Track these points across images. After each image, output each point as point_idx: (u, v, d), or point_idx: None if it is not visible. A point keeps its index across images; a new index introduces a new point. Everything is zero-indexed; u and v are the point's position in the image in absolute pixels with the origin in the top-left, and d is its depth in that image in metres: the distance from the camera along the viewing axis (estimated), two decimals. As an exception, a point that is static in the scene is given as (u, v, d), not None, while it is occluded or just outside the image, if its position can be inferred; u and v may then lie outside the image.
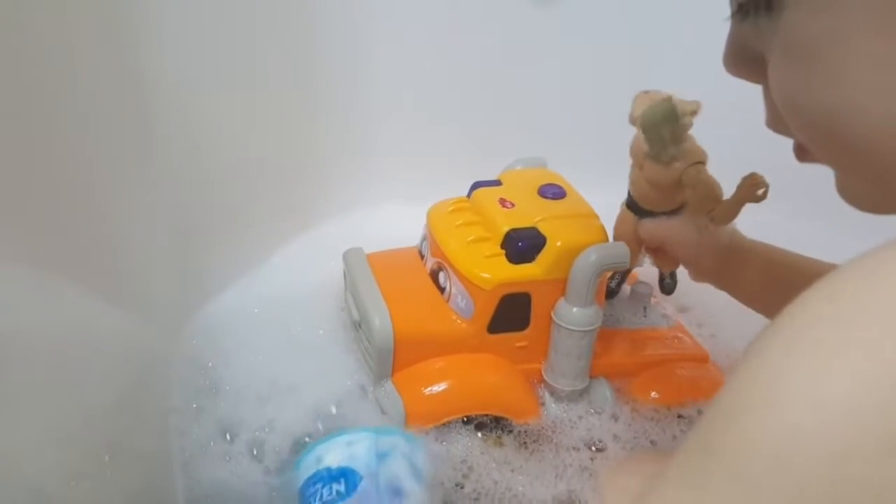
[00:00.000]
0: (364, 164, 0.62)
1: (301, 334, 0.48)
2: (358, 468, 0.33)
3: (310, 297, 0.50)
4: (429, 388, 0.41)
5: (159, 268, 0.45)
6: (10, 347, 0.30)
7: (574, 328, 0.41)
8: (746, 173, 0.41)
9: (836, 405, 0.16)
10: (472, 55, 0.63)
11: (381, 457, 0.34)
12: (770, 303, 0.23)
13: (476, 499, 0.37)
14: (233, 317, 0.49)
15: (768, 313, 0.39)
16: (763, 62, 0.24)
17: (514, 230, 0.41)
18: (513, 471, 0.39)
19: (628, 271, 0.50)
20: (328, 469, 0.34)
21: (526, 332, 0.42)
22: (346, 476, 0.33)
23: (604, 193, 0.45)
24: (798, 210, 0.55)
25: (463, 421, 0.42)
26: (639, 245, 0.45)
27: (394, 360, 0.41)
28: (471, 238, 0.42)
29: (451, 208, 0.45)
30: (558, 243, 0.41)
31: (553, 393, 0.44)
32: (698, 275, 0.45)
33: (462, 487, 0.38)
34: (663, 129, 0.39)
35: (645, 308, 0.50)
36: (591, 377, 0.44)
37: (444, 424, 0.41)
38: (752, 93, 0.27)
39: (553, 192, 0.44)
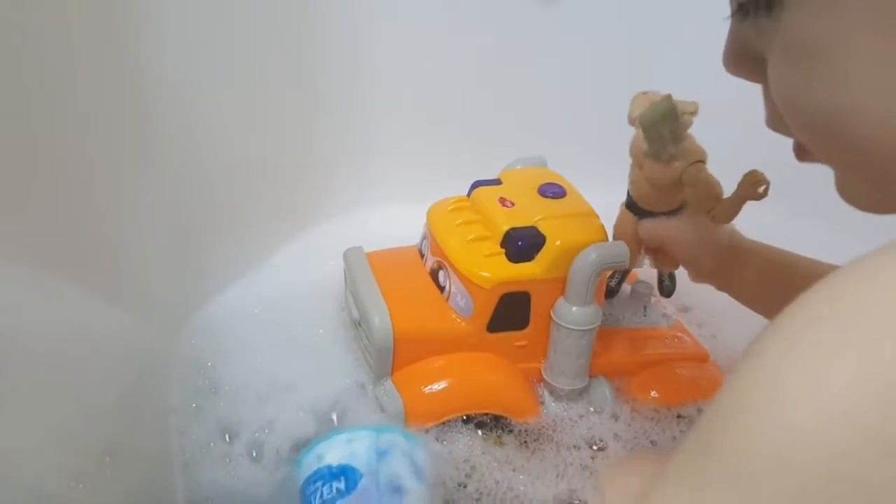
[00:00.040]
0: (364, 163, 0.62)
1: (301, 334, 0.48)
2: (358, 466, 0.33)
3: (310, 297, 0.50)
4: (428, 387, 0.41)
5: (159, 268, 0.45)
6: (10, 347, 0.30)
7: (573, 327, 0.41)
8: (747, 171, 0.40)
9: (835, 405, 0.16)
10: (472, 55, 0.63)
11: (382, 455, 0.34)
12: (769, 303, 0.23)
13: (478, 499, 0.37)
14: (233, 316, 0.49)
15: (768, 314, 0.39)
16: (763, 62, 0.24)
17: (513, 229, 0.41)
18: (514, 470, 0.39)
19: (627, 271, 0.50)
20: (328, 467, 0.34)
21: (525, 331, 0.42)
22: (346, 474, 0.33)
23: (603, 193, 0.45)
24: (798, 209, 0.55)
25: (463, 420, 0.42)
26: (638, 245, 0.45)
27: (393, 358, 0.41)
28: (470, 237, 0.42)
29: (451, 207, 0.45)
30: (558, 242, 0.41)
31: (552, 392, 0.44)
32: (698, 275, 0.45)
33: (465, 487, 0.38)
34: (663, 127, 0.39)
35: (645, 307, 0.50)
36: (590, 376, 0.44)
37: (443, 423, 0.41)
38: (752, 92, 0.27)
39: (553, 191, 0.44)
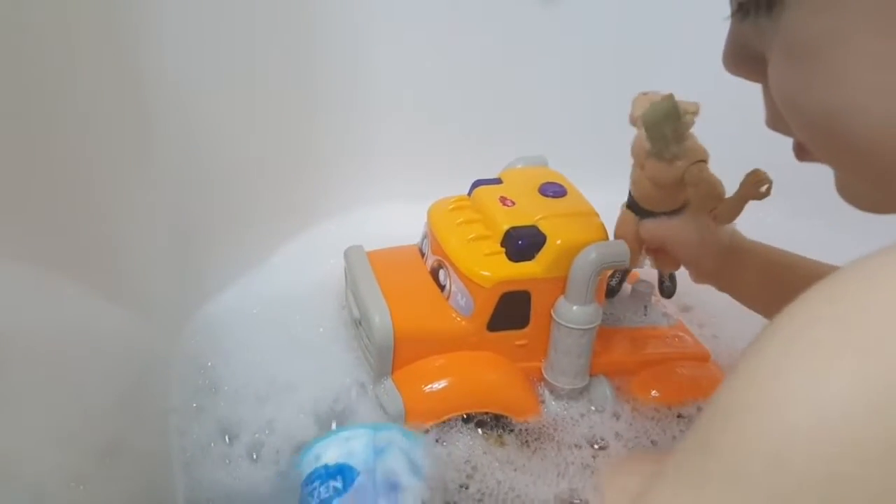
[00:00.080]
0: (364, 163, 0.62)
1: (301, 333, 0.48)
2: (355, 464, 0.34)
3: (310, 296, 0.50)
4: (429, 386, 0.41)
5: (159, 267, 0.45)
6: (10, 347, 0.30)
7: (574, 326, 0.41)
8: (749, 170, 0.40)
9: (834, 406, 0.16)
10: (472, 55, 0.63)
11: (379, 452, 0.34)
12: (770, 304, 0.23)
13: (480, 500, 0.37)
14: (233, 316, 0.49)
15: (768, 314, 0.39)
16: (763, 61, 0.24)
17: (514, 228, 0.41)
18: (515, 470, 0.39)
19: (627, 271, 0.50)
20: (325, 466, 0.34)
21: (526, 330, 0.42)
22: (342, 472, 0.33)
23: (603, 192, 0.45)
24: (797, 209, 0.55)
25: (463, 419, 0.41)
26: (639, 246, 0.45)
27: (394, 357, 0.41)
28: (471, 236, 0.42)
29: (451, 206, 0.45)
30: (558, 241, 0.41)
31: (553, 391, 0.44)
32: (699, 276, 0.45)
33: (466, 488, 0.38)
34: (665, 126, 0.39)
35: (645, 307, 0.50)
36: (591, 375, 0.44)
37: (444, 423, 0.41)
38: (751, 92, 0.27)
39: (554, 190, 0.44)
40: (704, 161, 0.42)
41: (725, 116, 0.46)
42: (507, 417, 0.42)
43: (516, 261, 0.41)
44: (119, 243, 0.41)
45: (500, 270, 0.41)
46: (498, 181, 0.46)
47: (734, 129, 0.48)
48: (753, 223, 0.43)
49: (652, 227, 0.44)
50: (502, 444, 0.41)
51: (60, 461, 0.31)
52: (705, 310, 0.53)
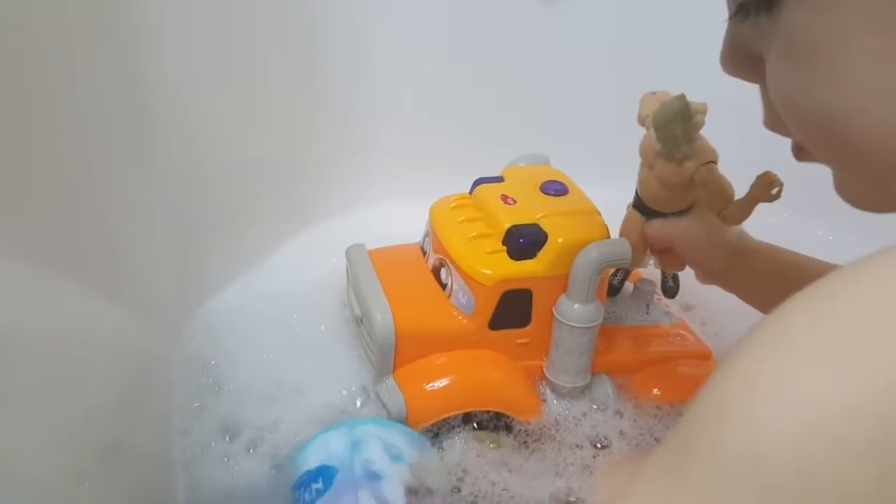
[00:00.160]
0: (364, 163, 0.62)
1: (303, 331, 0.48)
2: (333, 463, 0.34)
3: (311, 295, 0.50)
4: (430, 385, 0.41)
5: (160, 266, 0.45)
6: (10, 347, 0.29)
7: (575, 325, 0.41)
8: (749, 171, 0.40)
9: (816, 406, 0.16)
10: (472, 55, 0.63)
11: (355, 446, 0.35)
12: (777, 304, 0.23)
13: (473, 502, 0.37)
14: (234, 315, 0.49)
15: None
16: (760, 62, 0.24)
17: (515, 226, 0.41)
18: (510, 471, 0.39)
19: (628, 272, 0.49)
20: (307, 472, 0.35)
21: (527, 328, 0.42)
22: (322, 474, 0.34)
23: (605, 190, 0.45)
24: (796, 208, 0.55)
25: (462, 419, 0.41)
26: (644, 246, 0.45)
27: (395, 356, 0.41)
28: (472, 234, 0.42)
29: (452, 205, 0.45)
30: (560, 240, 0.41)
31: (554, 390, 0.44)
32: (706, 276, 0.45)
33: (458, 491, 0.38)
34: (676, 126, 0.39)
35: (648, 305, 0.49)
36: (592, 374, 0.44)
37: (444, 422, 0.41)
38: (750, 93, 0.27)
39: (555, 188, 0.44)
40: (714, 162, 0.41)
41: (724, 117, 0.45)
42: (508, 416, 0.42)
43: (518, 259, 0.41)
44: (119, 243, 0.41)
45: (501, 269, 0.41)
46: (499, 179, 0.46)
47: (733, 130, 0.48)
48: (754, 223, 0.43)
49: (659, 228, 0.43)
50: (499, 446, 0.41)
51: (60, 461, 0.31)
52: (707, 308, 0.53)
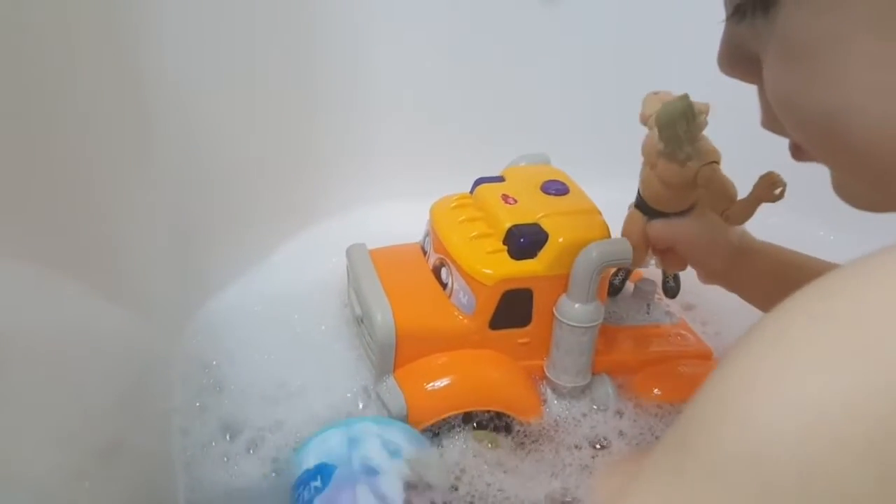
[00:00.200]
0: (364, 163, 0.62)
1: (303, 332, 0.48)
2: (331, 461, 0.34)
3: (311, 294, 0.50)
4: (431, 384, 0.41)
5: (160, 266, 0.45)
6: (10, 347, 0.29)
7: (576, 324, 0.41)
8: (763, 172, 0.40)
9: (815, 405, 0.16)
10: (472, 55, 0.63)
11: (353, 443, 0.35)
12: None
13: (471, 502, 0.37)
14: (235, 315, 0.49)
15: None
16: (758, 62, 0.24)
17: (516, 226, 0.41)
18: (505, 472, 0.39)
19: (629, 272, 0.49)
20: (306, 471, 0.35)
21: (528, 328, 0.42)
22: (320, 471, 0.34)
23: (605, 190, 0.45)
24: (798, 208, 0.55)
25: (462, 419, 0.41)
26: (646, 245, 0.45)
27: (396, 355, 0.41)
28: (473, 234, 0.42)
29: (453, 204, 0.45)
30: (560, 239, 0.41)
31: (555, 389, 0.43)
32: (708, 276, 0.45)
33: (455, 489, 0.38)
34: (679, 126, 0.39)
35: (648, 305, 0.49)
36: (593, 374, 0.44)
37: (444, 421, 0.41)
38: (754, 93, 0.27)
39: (556, 188, 0.44)
40: (717, 162, 0.41)
41: (727, 117, 0.45)
42: (508, 416, 0.42)
43: (518, 259, 0.41)
44: (120, 242, 0.41)
45: (502, 268, 0.41)
46: (500, 179, 0.46)
47: (736, 130, 0.48)
48: (756, 223, 0.43)
49: (661, 228, 0.43)
50: (497, 445, 0.40)
51: (60, 461, 0.31)
52: (708, 308, 0.53)
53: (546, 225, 0.41)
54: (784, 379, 0.17)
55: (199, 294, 0.50)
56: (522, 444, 0.41)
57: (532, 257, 0.41)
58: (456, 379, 0.41)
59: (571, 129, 0.63)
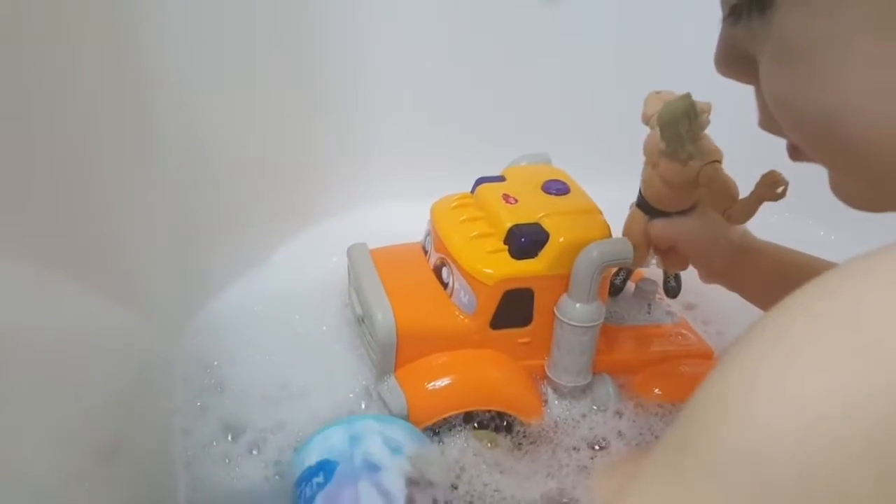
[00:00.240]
0: (365, 163, 0.62)
1: (304, 332, 0.48)
2: (333, 457, 0.35)
3: (312, 294, 0.50)
4: (431, 384, 0.41)
5: (161, 266, 0.45)
6: (10, 347, 0.29)
7: (577, 324, 0.41)
8: (765, 171, 0.40)
9: (814, 405, 0.16)
10: (472, 54, 0.63)
11: (355, 440, 0.35)
12: None
13: (470, 502, 0.37)
14: (235, 315, 0.49)
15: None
16: (754, 63, 0.24)
17: (516, 226, 0.41)
18: (501, 472, 0.39)
19: (631, 271, 0.49)
20: (308, 468, 0.35)
21: (529, 328, 0.42)
22: (323, 468, 0.34)
23: (606, 189, 0.45)
24: (800, 207, 0.55)
25: (464, 418, 0.41)
26: (648, 245, 0.45)
27: (396, 355, 0.41)
28: (474, 233, 0.42)
29: (454, 204, 0.45)
30: (561, 239, 0.41)
31: (556, 389, 0.43)
32: (709, 275, 0.45)
33: (455, 489, 0.38)
34: (681, 125, 0.39)
35: (649, 305, 0.49)
36: (594, 373, 0.44)
37: (445, 421, 0.41)
38: (748, 93, 0.27)
39: (557, 188, 0.44)
40: (719, 161, 0.41)
41: (729, 116, 0.45)
42: (509, 415, 0.42)
43: (519, 258, 0.41)
44: (120, 243, 0.41)
45: (502, 268, 0.41)
46: (501, 179, 0.46)
47: (737, 129, 0.47)
48: (757, 223, 0.43)
49: (662, 227, 0.43)
50: (496, 445, 0.40)
51: (61, 461, 0.31)
52: (710, 307, 0.53)
53: (547, 224, 0.41)
54: (783, 378, 0.17)
55: (200, 294, 0.50)
56: (520, 444, 0.41)
57: (533, 257, 0.41)
58: (457, 378, 0.41)
59: (572, 128, 0.63)
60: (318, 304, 0.49)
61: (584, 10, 0.64)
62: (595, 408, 0.43)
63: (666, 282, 0.49)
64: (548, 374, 0.43)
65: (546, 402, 0.43)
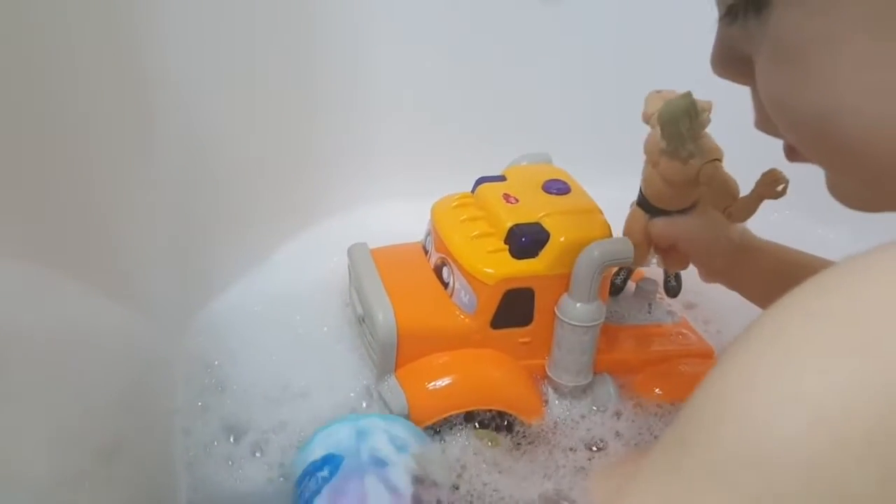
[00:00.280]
0: (365, 163, 0.62)
1: (305, 332, 0.48)
2: (339, 452, 0.35)
3: (313, 294, 0.50)
4: (432, 383, 0.41)
5: (161, 266, 0.45)
6: (11, 347, 0.29)
7: (577, 323, 0.41)
8: (766, 169, 0.40)
9: (815, 406, 0.16)
10: (472, 54, 0.63)
11: (361, 435, 0.35)
12: None
13: (470, 501, 0.37)
14: (236, 314, 0.49)
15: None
16: (751, 64, 0.24)
17: (517, 225, 0.41)
18: (500, 472, 0.39)
19: (631, 271, 0.49)
20: (313, 462, 0.35)
21: (529, 327, 0.42)
22: (328, 462, 0.34)
23: (607, 189, 0.45)
24: (800, 206, 0.55)
25: (465, 417, 0.41)
26: (648, 244, 0.45)
27: (397, 354, 0.41)
28: (474, 233, 0.42)
29: (454, 203, 0.45)
30: (562, 239, 0.41)
31: (557, 389, 0.43)
32: (709, 274, 0.45)
33: (457, 489, 0.38)
34: (682, 124, 0.39)
35: (650, 304, 0.49)
36: (594, 373, 0.44)
37: (445, 420, 0.41)
38: (746, 93, 0.27)
39: (557, 187, 0.44)
40: (719, 160, 0.41)
41: (729, 114, 0.45)
42: (510, 415, 0.42)
43: (520, 258, 0.41)
44: (120, 242, 0.41)
45: (503, 268, 0.41)
46: (502, 178, 0.46)
47: (737, 128, 0.47)
48: (758, 221, 0.43)
49: (663, 226, 0.43)
50: (496, 444, 0.40)
51: (61, 461, 0.30)
52: (710, 307, 0.53)
53: (547, 224, 0.41)
54: (782, 377, 0.17)
55: (201, 294, 0.50)
56: (519, 444, 0.41)
57: (533, 256, 0.41)
58: (457, 378, 0.41)
59: (572, 128, 0.63)
60: (319, 304, 0.49)
61: (584, 10, 0.64)
62: (595, 408, 0.43)
63: (666, 281, 0.49)
64: (548, 373, 0.43)
65: (546, 402, 0.43)
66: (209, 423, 0.41)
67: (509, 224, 0.41)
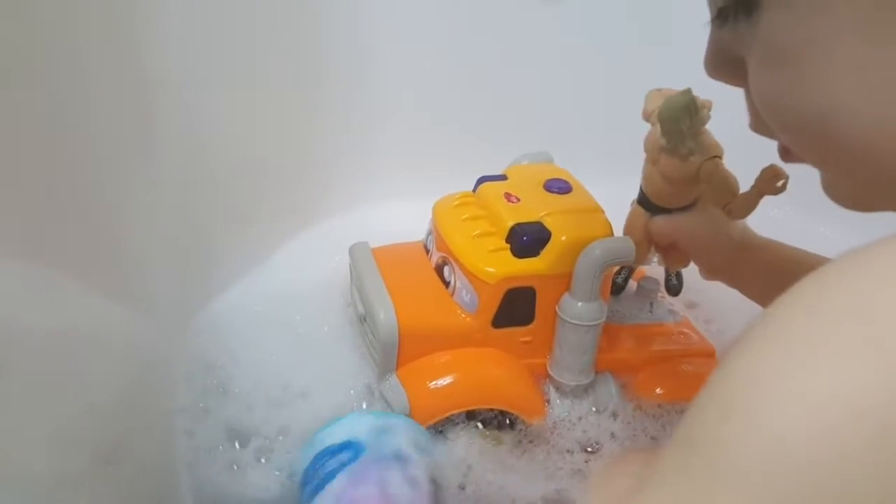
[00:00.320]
0: (366, 162, 0.62)
1: (306, 332, 0.47)
2: (361, 441, 0.34)
3: (313, 295, 0.50)
4: (433, 382, 0.41)
5: (162, 266, 0.45)
6: (11, 346, 0.29)
7: (579, 323, 0.41)
8: (765, 165, 0.40)
9: (818, 405, 0.16)
10: (472, 54, 0.63)
11: (382, 432, 0.35)
12: None
13: (477, 500, 0.37)
14: (237, 314, 0.49)
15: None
16: (743, 66, 0.24)
17: (518, 224, 0.41)
18: (502, 472, 0.39)
19: (632, 270, 0.49)
20: (331, 447, 0.35)
21: (531, 326, 0.42)
22: (349, 447, 0.34)
23: (608, 188, 0.45)
24: (800, 202, 0.55)
25: (466, 416, 0.41)
26: (649, 243, 0.45)
27: (398, 354, 0.41)
28: (476, 232, 0.42)
29: (456, 203, 0.45)
30: (563, 238, 0.41)
31: (558, 388, 0.43)
32: (709, 272, 0.45)
33: (463, 489, 0.37)
34: (682, 121, 0.39)
35: (651, 303, 0.49)
36: (596, 372, 0.44)
37: (447, 419, 0.41)
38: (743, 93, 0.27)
39: (559, 186, 0.44)
40: (719, 157, 0.41)
41: (728, 111, 0.45)
42: (511, 414, 0.42)
43: (521, 257, 0.41)
44: (122, 243, 0.41)
45: (504, 267, 0.40)
46: (503, 177, 0.46)
47: (737, 125, 0.47)
48: (758, 219, 0.43)
49: (663, 223, 0.43)
50: (500, 443, 0.40)
51: (61, 462, 0.30)
52: (711, 306, 0.53)
53: (549, 223, 0.41)
54: (785, 376, 0.17)
55: (202, 294, 0.50)
56: (520, 442, 0.41)
57: (535, 256, 0.41)
58: (459, 377, 0.41)
59: (572, 127, 0.63)
60: (320, 304, 0.49)
61: (584, 10, 0.64)
62: (594, 409, 0.43)
63: (667, 280, 0.49)
64: (550, 372, 0.43)
65: (548, 401, 0.43)
66: (211, 425, 0.41)
67: (511, 223, 0.41)
